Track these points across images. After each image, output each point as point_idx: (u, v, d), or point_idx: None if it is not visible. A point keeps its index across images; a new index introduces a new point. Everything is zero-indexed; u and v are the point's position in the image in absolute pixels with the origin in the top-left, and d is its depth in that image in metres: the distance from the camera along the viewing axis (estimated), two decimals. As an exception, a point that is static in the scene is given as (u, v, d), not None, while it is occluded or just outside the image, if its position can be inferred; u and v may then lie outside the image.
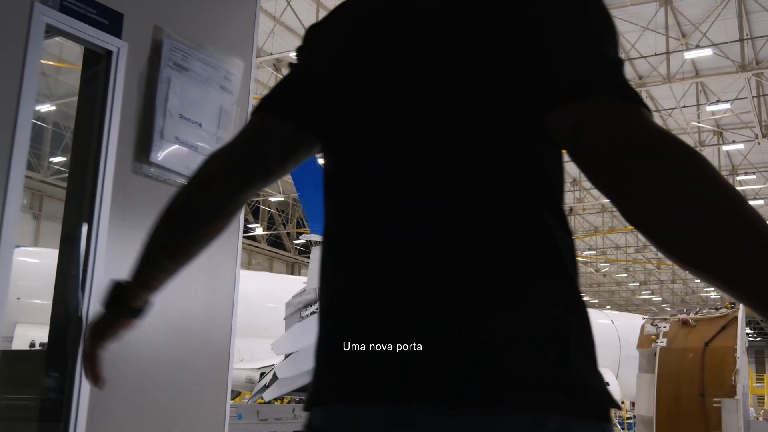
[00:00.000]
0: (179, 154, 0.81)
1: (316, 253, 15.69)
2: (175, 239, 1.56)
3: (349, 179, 1.42)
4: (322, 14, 21.07)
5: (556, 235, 1.26)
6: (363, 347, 1.24)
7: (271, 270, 42.92)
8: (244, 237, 38.19)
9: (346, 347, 1.26)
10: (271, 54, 24.25)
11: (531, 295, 1.21)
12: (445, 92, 1.31)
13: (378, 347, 1.23)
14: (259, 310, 21.74)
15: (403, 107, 1.34)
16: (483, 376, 1.15)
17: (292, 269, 44.04)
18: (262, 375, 20.42)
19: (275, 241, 45.30)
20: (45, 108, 28.22)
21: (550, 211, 1.28)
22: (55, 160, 32.61)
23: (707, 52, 21.20)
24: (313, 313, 17.26)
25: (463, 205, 1.26)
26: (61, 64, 24.81)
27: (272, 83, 27.37)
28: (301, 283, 17.93)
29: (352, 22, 1.49)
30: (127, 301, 1.57)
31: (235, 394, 24.58)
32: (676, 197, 1.02)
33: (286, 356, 18.07)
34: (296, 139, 1.54)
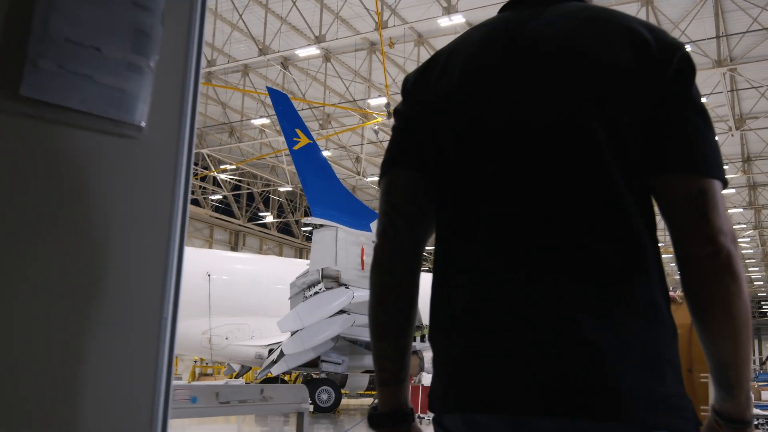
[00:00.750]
0: (65, 85, 0.80)
1: (318, 236, 15.89)
2: (381, 320, 1.63)
3: (471, 216, 1.48)
4: (326, 15, 21.24)
5: (658, 257, 1.42)
6: (489, 361, 1.35)
7: (281, 255, 43.13)
8: (257, 224, 37.68)
9: (474, 361, 1.38)
10: (278, 52, 24.20)
11: (640, 315, 1.35)
12: (565, 143, 1.41)
13: (501, 361, 1.34)
14: (268, 291, 21.87)
15: (521, 150, 1.43)
16: (596, 391, 1.27)
17: (301, 254, 44.21)
18: (271, 351, 20.60)
19: (284, 228, 45.69)
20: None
21: (652, 239, 1.42)
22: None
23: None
24: (316, 293, 17.43)
25: (583, 234, 1.37)
26: None
27: (280, 80, 27.49)
28: (305, 266, 18.10)
29: (459, 75, 1.54)
30: (380, 411, 1.61)
31: (246, 369, 24.78)
32: (719, 302, 1.35)
33: (292, 334, 18.19)
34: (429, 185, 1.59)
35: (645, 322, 1.34)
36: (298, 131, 15.38)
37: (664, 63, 1.39)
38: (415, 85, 1.66)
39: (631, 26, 1.44)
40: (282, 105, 15.81)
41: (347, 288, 17.15)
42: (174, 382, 1.33)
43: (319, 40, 22.40)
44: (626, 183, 1.37)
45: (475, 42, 1.58)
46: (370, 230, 15.23)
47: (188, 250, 23.82)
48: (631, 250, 1.36)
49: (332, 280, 17.17)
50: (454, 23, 21.92)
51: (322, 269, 16.77)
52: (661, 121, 1.38)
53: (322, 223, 15.40)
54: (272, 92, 16.07)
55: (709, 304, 1.36)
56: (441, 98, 1.55)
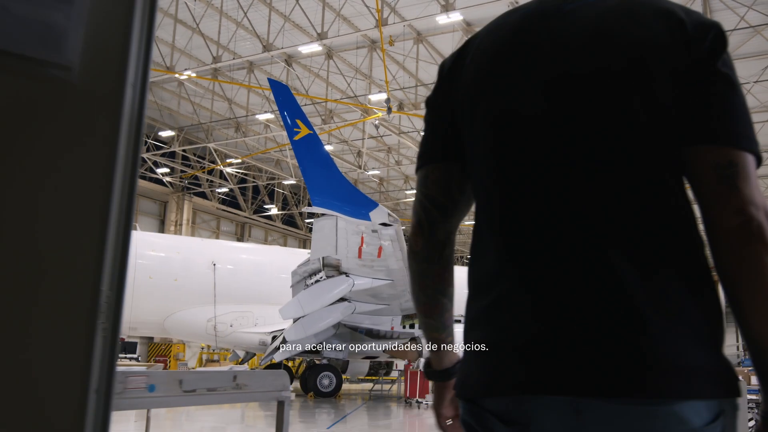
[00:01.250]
0: None
1: (318, 224, 15.67)
2: (423, 301, 1.72)
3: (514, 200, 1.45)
4: (328, 12, 21.10)
5: (697, 236, 1.38)
6: (539, 344, 1.33)
7: (285, 246, 43.11)
8: (262, 216, 37.86)
9: (522, 343, 1.36)
10: (281, 48, 23.98)
11: (689, 293, 1.31)
12: (606, 122, 1.37)
13: (554, 343, 1.31)
14: (272, 280, 21.72)
15: (564, 136, 1.39)
16: (651, 371, 1.25)
17: (304, 245, 44.11)
18: (274, 338, 20.47)
19: (289, 220, 45.80)
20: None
21: (689, 219, 1.38)
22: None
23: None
24: (317, 281, 17.28)
25: (629, 210, 1.34)
26: None
27: (284, 77, 27.30)
28: (308, 255, 17.93)
29: (495, 58, 1.52)
30: (434, 368, 1.78)
31: (251, 356, 24.65)
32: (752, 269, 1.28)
33: (294, 321, 18.07)
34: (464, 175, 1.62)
35: (694, 297, 1.31)
36: (298, 122, 15.12)
37: (699, 41, 1.37)
38: (450, 71, 1.64)
39: (667, 7, 1.42)
40: (282, 96, 15.53)
41: (347, 276, 16.98)
42: (130, 368, 1.08)
43: (321, 37, 22.22)
44: (666, 161, 1.36)
45: (511, 25, 1.55)
46: (369, 219, 14.99)
47: (194, 240, 23.86)
48: (678, 228, 1.35)
49: (333, 269, 17.01)
50: (452, 21, 21.94)
51: (323, 258, 16.60)
52: (692, 95, 1.35)
53: (322, 212, 15.18)
54: (273, 83, 15.77)
55: (741, 279, 1.28)
56: (477, 83, 1.53)
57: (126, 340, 21.12)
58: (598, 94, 1.37)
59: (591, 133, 1.37)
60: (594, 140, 1.36)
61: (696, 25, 1.38)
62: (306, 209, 16.02)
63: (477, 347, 1.47)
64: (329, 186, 14.99)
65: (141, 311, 20.90)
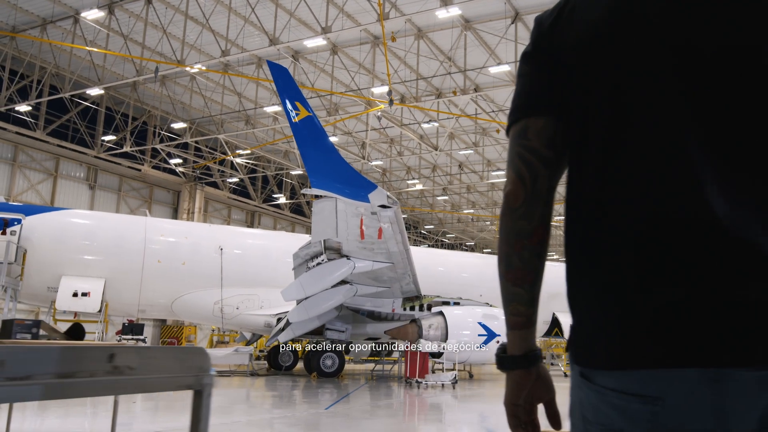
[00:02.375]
0: None
1: (318, 206, 14.99)
2: (516, 265, 1.49)
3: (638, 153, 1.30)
4: (332, 8, 20.66)
5: None
6: (674, 315, 1.19)
7: (293, 233, 42.76)
8: (271, 205, 38.14)
9: (656, 316, 1.21)
10: (286, 42, 23.38)
11: None
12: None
13: (689, 314, 1.18)
14: (277, 264, 21.14)
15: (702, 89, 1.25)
16: None
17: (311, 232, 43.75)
18: (279, 320, 19.98)
19: (296, 209, 45.61)
20: (96, 92, 27.69)
21: None
22: (107, 138, 32.27)
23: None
24: (318, 264, 16.68)
25: None
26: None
27: (290, 72, 26.71)
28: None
29: (620, 9, 1.37)
30: (511, 354, 1.52)
31: (257, 337, 24.13)
32: None
33: (298, 303, 17.56)
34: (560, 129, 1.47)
35: None
36: (297, 104, 14.35)
37: None
38: (554, 26, 1.50)
39: None
40: (282, 78, 14.72)
41: (348, 259, 16.38)
42: None
43: (325, 31, 21.65)
44: None
45: None
46: (368, 201, 14.29)
47: (202, 226, 23.49)
48: None
49: (334, 252, 16.42)
50: (450, 15, 21.47)
51: (325, 241, 15.99)
52: None
53: (321, 194, 14.49)
54: (272, 65, 14.92)
55: None
56: (599, 35, 1.38)
57: (135, 321, 20.58)
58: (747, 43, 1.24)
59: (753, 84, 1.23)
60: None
61: None
62: (305, 191, 15.29)
63: (598, 315, 1.30)
64: (328, 167, 14.23)
65: (150, 294, 20.46)
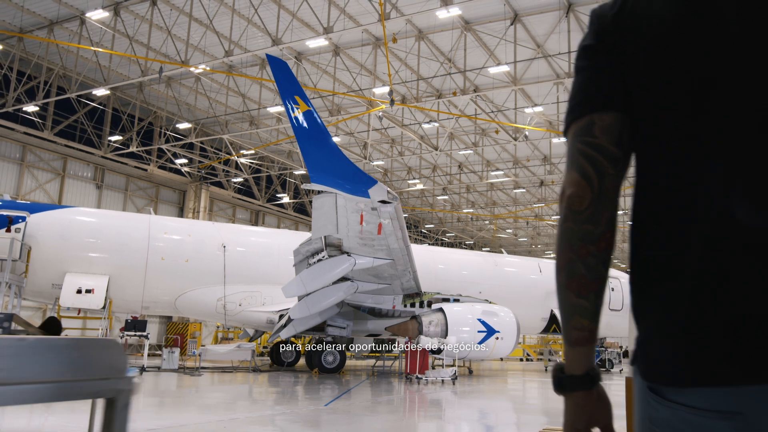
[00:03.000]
0: None
1: (318, 202, 14.56)
2: (580, 273, 1.33)
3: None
4: (334, 10, 20.30)
5: None
6: (749, 329, 1.10)
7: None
8: (275, 204, 38.05)
9: (730, 330, 1.11)
10: (289, 43, 23.02)
11: None
12: None
13: (765, 327, 1.08)
14: (279, 261, 20.77)
15: None
16: None
17: (314, 231, 43.42)
18: (281, 317, 19.67)
19: (300, 208, 45.26)
20: (102, 93, 27.37)
21: None
22: (114, 138, 31.95)
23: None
24: (319, 260, 16.29)
25: None
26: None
27: (293, 72, 26.36)
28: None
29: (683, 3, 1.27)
30: (570, 374, 1.34)
31: (259, 334, 23.76)
32: None
33: (300, 299, 17.21)
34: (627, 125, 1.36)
35: None
36: (297, 98, 13.91)
37: None
38: (618, 19, 1.37)
39: None
40: (281, 72, 14.27)
41: (349, 256, 15.99)
42: None
43: (327, 31, 21.28)
44: None
45: None
46: (368, 197, 13.86)
47: (206, 224, 23.05)
48: None
49: (335, 249, 16.03)
50: (450, 16, 21.11)
51: (325, 237, 15.59)
52: None
53: (321, 189, 14.06)
54: (271, 59, 14.42)
55: None
56: (679, 27, 1.26)
57: (140, 318, 20.20)
58: None
59: None
60: None
61: None
62: (305, 186, 14.83)
63: (667, 329, 1.18)
64: (328, 163, 13.77)
65: (153, 291, 20.10)
